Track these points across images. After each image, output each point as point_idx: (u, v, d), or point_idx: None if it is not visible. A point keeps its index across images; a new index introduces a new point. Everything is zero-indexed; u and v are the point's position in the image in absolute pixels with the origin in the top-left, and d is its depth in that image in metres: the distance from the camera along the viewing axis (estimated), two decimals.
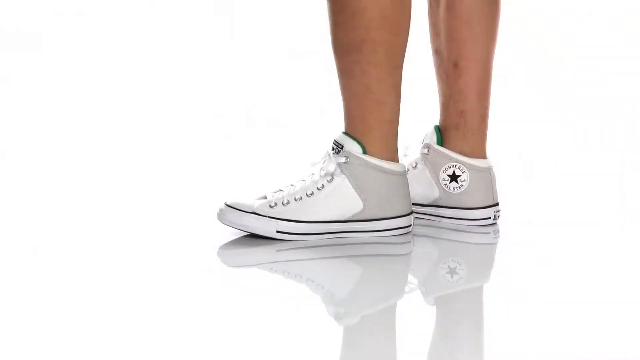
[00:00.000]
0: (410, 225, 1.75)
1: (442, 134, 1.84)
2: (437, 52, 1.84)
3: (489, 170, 1.83)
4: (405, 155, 1.87)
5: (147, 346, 1.27)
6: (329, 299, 1.49)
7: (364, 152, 1.71)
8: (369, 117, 1.71)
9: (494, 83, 1.84)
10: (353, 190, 1.71)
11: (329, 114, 1.75)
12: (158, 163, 2.40)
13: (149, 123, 2.80)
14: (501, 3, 1.82)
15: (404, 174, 1.73)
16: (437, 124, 1.85)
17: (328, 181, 1.71)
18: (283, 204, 1.71)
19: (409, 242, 1.73)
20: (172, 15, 3.39)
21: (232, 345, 1.28)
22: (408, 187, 1.74)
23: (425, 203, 1.85)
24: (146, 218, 1.89)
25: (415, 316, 1.40)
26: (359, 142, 1.71)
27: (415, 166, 1.85)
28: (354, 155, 1.71)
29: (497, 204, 1.83)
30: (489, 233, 1.81)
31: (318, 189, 1.71)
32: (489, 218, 1.82)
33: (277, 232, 1.71)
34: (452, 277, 1.59)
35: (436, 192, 1.84)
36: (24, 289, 1.49)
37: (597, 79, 3.09)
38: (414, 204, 1.85)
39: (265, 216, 1.71)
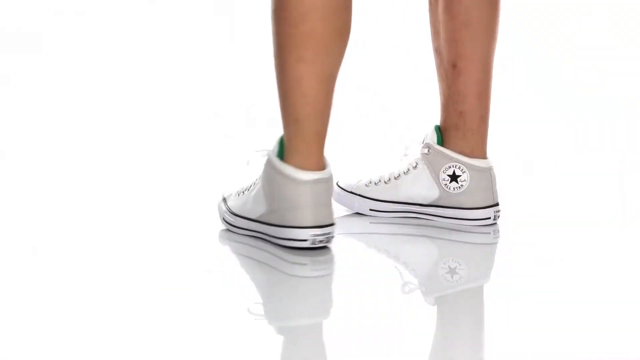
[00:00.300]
0: (307, 240, 1.59)
1: (443, 134, 1.84)
2: (437, 51, 1.83)
3: (489, 170, 1.82)
4: (405, 155, 1.86)
5: (147, 346, 1.27)
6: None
7: (279, 154, 1.64)
8: (281, 115, 1.66)
9: (494, 83, 1.84)
10: (261, 191, 1.66)
11: None
12: (158, 163, 2.40)
13: (149, 123, 2.80)
14: (501, 3, 1.81)
15: (312, 182, 1.59)
16: (438, 124, 1.85)
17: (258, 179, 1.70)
18: (238, 195, 1.74)
19: (305, 264, 1.59)
20: (172, 15, 3.39)
21: (230, 345, 1.28)
22: (321, 198, 1.59)
23: (425, 203, 1.85)
24: (146, 218, 1.89)
25: (415, 316, 1.40)
26: (281, 143, 1.65)
27: (416, 166, 1.85)
28: (269, 156, 1.66)
29: (497, 204, 1.83)
30: (489, 233, 1.80)
31: (254, 185, 1.71)
32: (489, 218, 1.82)
33: (223, 219, 1.75)
34: (452, 277, 1.59)
35: (436, 192, 1.84)
36: (24, 289, 1.48)
37: (597, 79, 3.09)
38: (414, 204, 1.85)
39: (224, 203, 1.76)
